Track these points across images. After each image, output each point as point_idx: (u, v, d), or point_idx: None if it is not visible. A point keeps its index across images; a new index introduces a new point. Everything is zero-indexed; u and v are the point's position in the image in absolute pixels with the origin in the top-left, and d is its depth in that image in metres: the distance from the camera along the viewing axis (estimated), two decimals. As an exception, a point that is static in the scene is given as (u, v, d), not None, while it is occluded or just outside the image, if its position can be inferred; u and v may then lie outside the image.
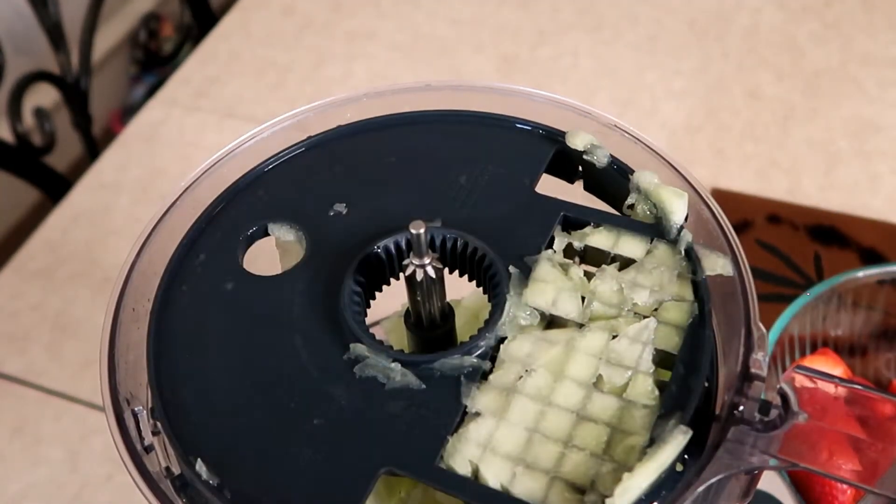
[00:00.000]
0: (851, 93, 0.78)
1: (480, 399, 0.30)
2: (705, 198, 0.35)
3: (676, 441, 0.28)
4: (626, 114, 0.77)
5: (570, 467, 0.28)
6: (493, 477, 0.28)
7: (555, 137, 0.37)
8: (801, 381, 0.29)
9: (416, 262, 0.31)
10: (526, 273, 0.32)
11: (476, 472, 0.28)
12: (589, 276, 0.33)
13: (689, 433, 0.28)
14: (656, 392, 0.30)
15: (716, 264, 0.32)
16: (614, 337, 0.31)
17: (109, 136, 1.15)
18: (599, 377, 0.30)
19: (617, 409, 0.29)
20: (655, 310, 0.32)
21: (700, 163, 0.73)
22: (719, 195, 0.70)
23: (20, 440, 0.61)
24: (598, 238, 0.34)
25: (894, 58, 0.80)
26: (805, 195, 0.71)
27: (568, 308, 0.32)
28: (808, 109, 0.77)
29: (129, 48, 1.33)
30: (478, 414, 0.29)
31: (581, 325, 0.32)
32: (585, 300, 0.32)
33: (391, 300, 0.36)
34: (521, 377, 0.30)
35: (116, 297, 0.34)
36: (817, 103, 0.77)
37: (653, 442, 0.28)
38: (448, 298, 0.34)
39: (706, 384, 0.30)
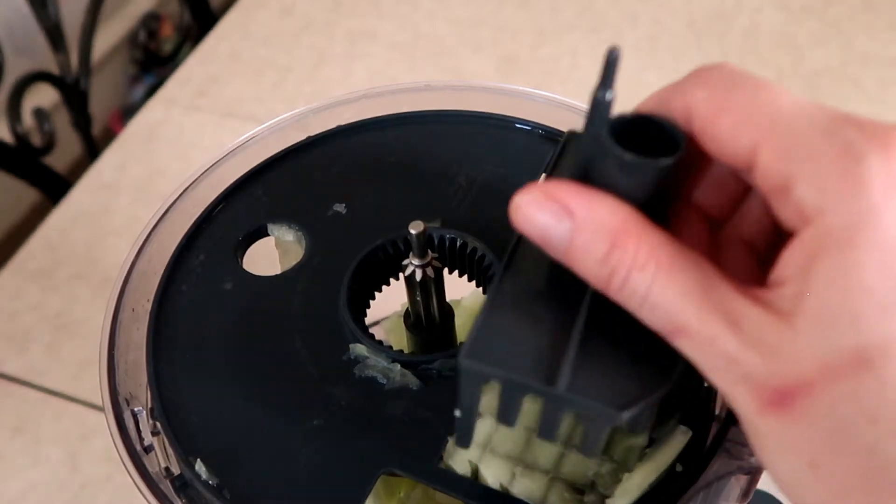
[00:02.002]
0: (851, 93, 0.78)
1: (480, 399, 0.30)
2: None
3: (676, 441, 0.28)
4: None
5: (569, 467, 0.28)
6: (493, 477, 0.28)
7: (554, 138, 0.37)
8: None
9: (415, 262, 0.31)
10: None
11: (476, 472, 0.28)
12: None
13: (689, 433, 0.28)
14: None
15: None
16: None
17: (109, 136, 1.15)
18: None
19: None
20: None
21: (700, 163, 0.73)
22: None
23: (20, 440, 0.61)
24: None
25: (894, 58, 0.80)
26: (805, 195, 0.71)
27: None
28: (807, 109, 0.77)
29: (129, 48, 1.33)
30: (478, 414, 0.29)
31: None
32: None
33: (391, 300, 0.36)
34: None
35: (116, 297, 0.34)
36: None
37: (653, 442, 0.28)
38: (448, 298, 0.34)
39: (706, 384, 0.30)
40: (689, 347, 0.21)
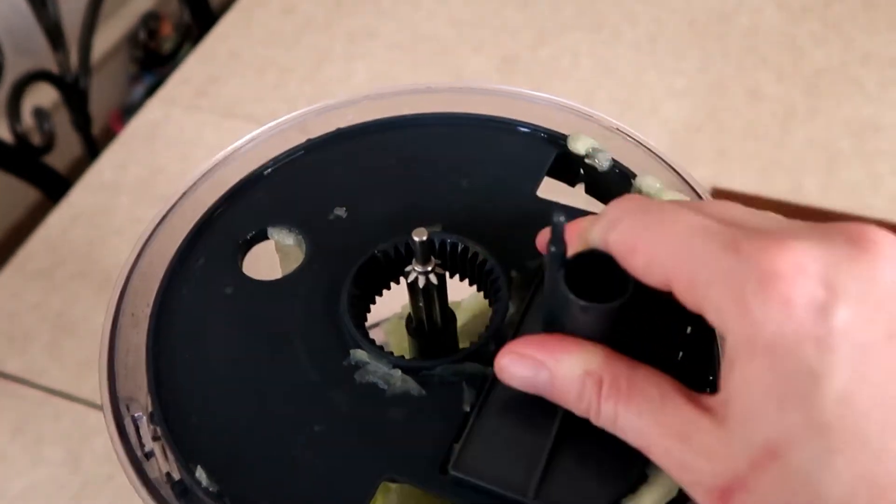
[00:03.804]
0: (852, 92, 0.78)
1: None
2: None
3: None
4: (626, 113, 0.76)
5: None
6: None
7: (556, 140, 0.37)
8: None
9: (418, 268, 0.31)
10: (527, 277, 0.32)
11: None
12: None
13: None
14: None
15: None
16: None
17: (109, 135, 1.15)
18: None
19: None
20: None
21: (701, 162, 0.73)
22: (721, 195, 0.70)
23: (21, 440, 0.61)
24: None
25: (895, 57, 0.80)
26: (806, 195, 0.71)
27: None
28: (808, 109, 0.77)
29: (129, 47, 1.33)
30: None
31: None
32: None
33: (392, 302, 0.36)
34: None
35: (115, 301, 0.34)
36: (818, 103, 0.77)
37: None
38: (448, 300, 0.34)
39: (708, 390, 0.30)
40: (656, 459, 0.25)
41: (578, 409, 0.26)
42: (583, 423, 0.27)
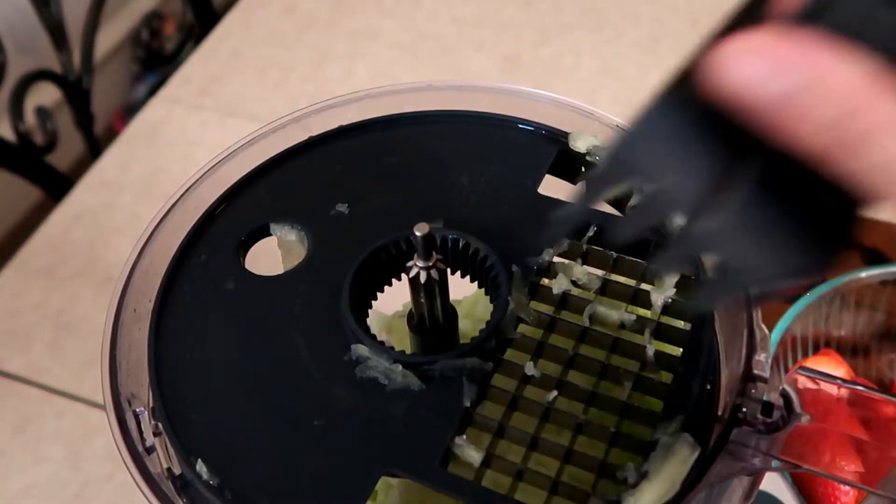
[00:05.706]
0: (854, 92, 0.77)
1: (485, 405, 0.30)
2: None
3: (684, 456, 0.27)
4: (628, 113, 0.76)
5: (571, 473, 0.28)
6: (492, 483, 0.28)
7: (557, 138, 0.37)
8: (803, 382, 0.29)
9: (420, 264, 0.31)
10: (528, 274, 0.32)
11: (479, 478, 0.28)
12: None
13: (698, 449, 0.28)
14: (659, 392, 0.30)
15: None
16: (616, 341, 0.31)
17: (111, 134, 1.15)
18: (603, 376, 0.30)
19: (619, 413, 0.29)
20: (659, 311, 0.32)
21: (702, 162, 0.73)
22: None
23: (22, 438, 0.61)
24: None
25: (897, 57, 0.80)
26: (807, 195, 0.71)
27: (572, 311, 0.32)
28: (810, 109, 0.77)
29: (132, 47, 1.33)
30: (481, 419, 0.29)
31: (584, 329, 0.31)
32: (588, 306, 0.32)
33: (393, 299, 0.36)
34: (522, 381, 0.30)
35: (118, 297, 0.34)
36: (820, 103, 0.77)
37: (655, 446, 0.28)
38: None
39: (708, 386, 0.30)
40: None
41: (819, 143, 0.18)
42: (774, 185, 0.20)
